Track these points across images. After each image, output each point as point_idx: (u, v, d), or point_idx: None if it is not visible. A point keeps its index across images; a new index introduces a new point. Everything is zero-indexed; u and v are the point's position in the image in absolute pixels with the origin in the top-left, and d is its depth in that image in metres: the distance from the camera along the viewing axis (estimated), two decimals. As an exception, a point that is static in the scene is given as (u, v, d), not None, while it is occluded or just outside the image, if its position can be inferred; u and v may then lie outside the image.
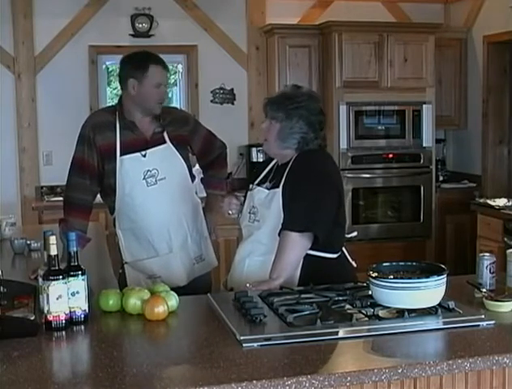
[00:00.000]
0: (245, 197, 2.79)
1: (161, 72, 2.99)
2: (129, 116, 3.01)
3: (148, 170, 2.99)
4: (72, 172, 3.01)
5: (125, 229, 3.06)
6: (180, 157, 3.08)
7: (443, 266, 2.18)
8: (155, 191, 3.00)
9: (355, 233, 2.81)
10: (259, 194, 2.69)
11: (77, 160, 3.00)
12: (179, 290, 2.35)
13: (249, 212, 2.71)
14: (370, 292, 2.18)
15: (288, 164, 2.65)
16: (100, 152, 2.97)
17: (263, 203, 2.66)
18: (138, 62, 3.00)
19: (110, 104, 3.30)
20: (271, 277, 2.48)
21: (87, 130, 2.99)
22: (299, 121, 2.59)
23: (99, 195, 3.11)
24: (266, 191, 2.67)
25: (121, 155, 2.96)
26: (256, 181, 2.76)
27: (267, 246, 2.59)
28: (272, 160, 2.80)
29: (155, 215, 3.01)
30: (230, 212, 2.78)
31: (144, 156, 2.99)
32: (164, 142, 3.05)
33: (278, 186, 2.62)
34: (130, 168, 2.98)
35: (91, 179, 2.99)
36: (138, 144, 2.99)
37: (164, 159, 3.04)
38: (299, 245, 2.51)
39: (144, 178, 2.99)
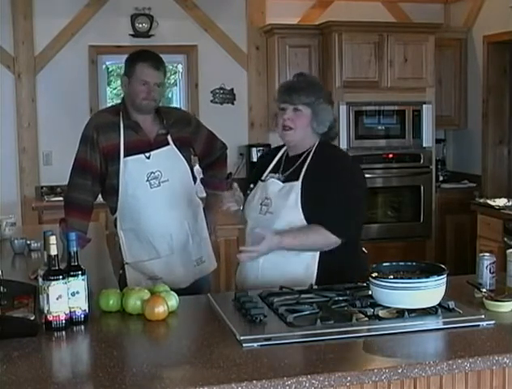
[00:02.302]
0: (251, 189, 2.73)
1: (148, 70, 2.96)
2: (131, 116, 3.01)
3: (152, 172, 2.99)
4: (74, 172, 3.00)
5: (127, 230, 3.05)
6: (183, 159, 3.08)
7: (443, 266, 2.18)
8: (158, 193, 2.99)
9: None
10: (273, 185, 2.63)
11: (79, 160, 2.99)
12: (180, 292, 2.34)
13: (261, 204, 2.64)
14: (370, 292, 2.18)
15: (302, 154, 2.63)
16: (103, 153, 2.96)
17: (278, 195, 2.59)
18: (131, 60, 3.03)
19: (113, 104, 3.29)
20: (277, 235, 2.46)
21: (91, 131, 2.98)
22: (328, 105, 2.63)
23: (100, 195, 3.10)
24: (281, 184, 2.61)
25: (124, 156, 2.95)
26: (266, 172, 2.71)
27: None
28: (278, 151, 2.77)
29: (157, 216, 3.00)
30: (230, 206, 2.67)
31: (148, 157, 2.99)
32: (168, 143, 3.04)
33: (295, 179, 2.58)
34: (133, 170, 2.97)
35: (93, 180, 2.98)
36: (142, 145, 2.99)
37: (168, 161, 3.03)
38: (327, 243, 2.50)
39: (148, 180, 2.99)
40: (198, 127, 3.25)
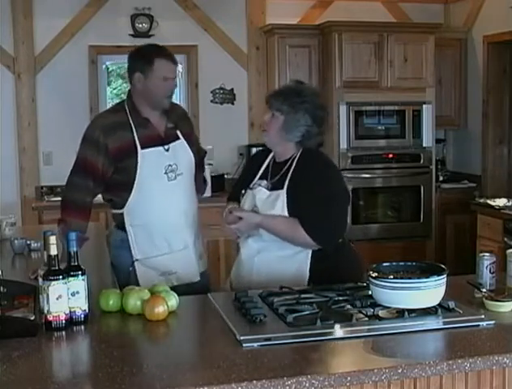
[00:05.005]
0: (243, 195, 2.78)
1: (168, 65, 2.94)
2: (141, 112, 2.98)
3: (169, 165, 2.97)
4: (74, 172, 2.97)
5: (138, 226, 3.00)
6: (191, 153, 3.08)
7: (443, 266, 2.18)
8: (175, 186, 2.98)
9: None
10: (260, 193, 2.70)
11: (81, 161, 2.94)
12: (192, 285, 2.34)
13: (252, 211, 2.71)
14: (370, 292, 2.18)
15: (287, 161, 2.68)
16: (112, 154, 2.90)
17: (265, 203, 2.66)
18: (143, 56, 2.97)
19: (115, 104, 3.25)
20: (258, 214, 2.63)
21: (97, 133, 2.92)
22: (305, 115, 2.63)
23: (100, 195, 3.09)
24: (268, 192, 2.68)
25: (142, 148, 2.92)
26: (255, 179, 2.76)
27: (275, 244, 2.62)
28: (267, 155, 2.80)
29: (173, 210, 2.99)
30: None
31: (167, 150, 2.98)
32: (178, 138, 3.04)
33: (280, 187, 2.64)
34: (152, 162, 2.93)
35: (94, 181, 2.94)
36: (155, 140, 2.96)
37: (182, 154, 3.03)
38: (297, 237, 2.56)
39: (166, 173, 2.97)
40: (192, 125, 3.28)
